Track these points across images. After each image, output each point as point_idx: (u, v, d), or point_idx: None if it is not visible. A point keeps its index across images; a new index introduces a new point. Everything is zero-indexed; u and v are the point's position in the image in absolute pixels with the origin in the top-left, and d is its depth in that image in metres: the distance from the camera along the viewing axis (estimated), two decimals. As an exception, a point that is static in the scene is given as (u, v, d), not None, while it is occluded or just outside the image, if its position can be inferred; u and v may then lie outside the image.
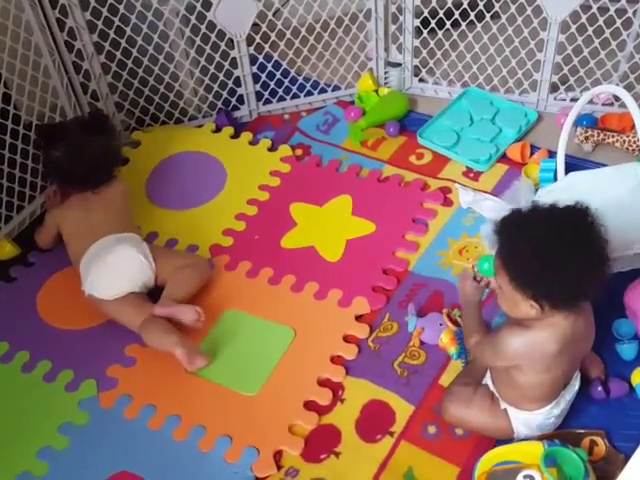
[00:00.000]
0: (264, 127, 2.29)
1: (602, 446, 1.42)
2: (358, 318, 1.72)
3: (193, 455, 1.50)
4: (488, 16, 2.14)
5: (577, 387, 1.43)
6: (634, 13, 2.00)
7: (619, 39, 2.03)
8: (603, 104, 2.15)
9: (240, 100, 2.30)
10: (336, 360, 1.64)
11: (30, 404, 1.63)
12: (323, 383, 1.60)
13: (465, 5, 2.16)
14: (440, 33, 2.24)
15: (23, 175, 1.97)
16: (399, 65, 2.32)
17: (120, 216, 1.85)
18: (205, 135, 2.26)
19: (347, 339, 1.68)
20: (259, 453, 1.49)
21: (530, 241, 1.23)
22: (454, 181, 2.02)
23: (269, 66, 2.27)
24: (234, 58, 2.19)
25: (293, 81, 2.33)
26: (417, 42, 2.25)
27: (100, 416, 1.59)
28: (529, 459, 1.29)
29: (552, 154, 1.98)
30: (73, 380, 1.66)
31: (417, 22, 2.20)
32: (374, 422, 1.52)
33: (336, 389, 1.59)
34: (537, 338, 1.30)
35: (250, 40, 2.17)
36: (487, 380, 1.48)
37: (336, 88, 2.35)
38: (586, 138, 2.04)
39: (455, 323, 1.64)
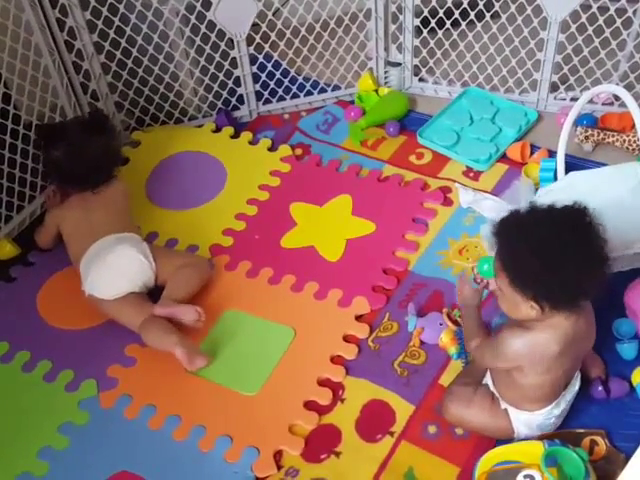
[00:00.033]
0: (264, 127, 2.29)
1: (602, 446, 1.42)
2: (358, 318, 1.72)
3: (193, 455, 1.50)
4: (488, 16, 2.14)
5: (577, 387, 1.43)
6: (634, 12, 2.00)
7: (619, 39, 2.02)
8: (603, 104, 2.15)
9: (240, 100, 2.30)
10: (336, 360, 1.64)
11: (30, 404, 1.63)
12: (323, 383, 1.60)
13: (465, 5, 2.16)
14: (440, 33, 2.23)
15: (23, 175, 1.97)
16: (399, 65, 2.32)
17: (120, 216, 1.85)
18: (205, 135, 2.26)
19: (347, 339, 1.68)
20: (259, 453, 1.49)
21: (529, 242, 1.23)
22: (454, 181, 2.02)
23: (269, 66, 2.27)
24: (234, 58, 2.19)
25: (293, 81, 2.33)
26: (417, 42, 2.25)
27: (100, 416, 1.59)
28: (529, 459, 1.29)
29: (552, 154, 1.98)
30: (73, 380, 1.66)
31: (417, 22, 2.20)
32: (374, 422, 1.52)
33: (336, 389, 1.59)
34: (538, 339, 1.29)
35: (250, 40, 2.17)
36: (487, 380, 1.48)
37: (336, 88, 2.35)
38: (586, 138, 2.04)
39: (455, 323, 1.64)
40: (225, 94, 2.28)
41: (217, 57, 2.18)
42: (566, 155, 1.84)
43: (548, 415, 1.40)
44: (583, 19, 2.00)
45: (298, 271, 1.83)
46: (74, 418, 1.59)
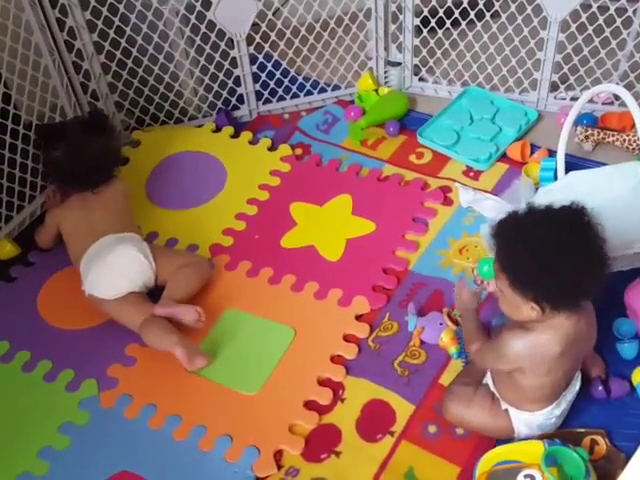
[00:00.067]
0: (264, 127, 2.29)
1: (603, 445, 1.42)
2: (358, 317, 1.72)
3: (193, 455, 1.50)
4: (488, 15, 2.14)
5: (578, 387, 1.43)
6: (634, 12, 1.99)
7: (619, 38, 2.02)
8: (603, 103, 2.15)
9: (240, 100, 2.30)
10: (336, 359, 1.64)
11: (30, 404, 1.63)
12: (323, 383, 1.60)
13: (465, 4, 2.16)
14: (440, 32, 2.23)
15: (23, 175, 1.97)
16: (399, 64, 2.32)
17: (120, 216, 1.85)
18: (205, 135, 2.26)
19: (347, 338, 1.68)
20: (259, 453, 1.48)
21: (527, 243, 1.23)
22: (454, 180, 2.02)
23: (269, 66, 2.27)
24: (234, 58, 2.19)
25: (293, 80, 2.33)
26: (417, 41, 2.25)
27: (100, 416, 1.59)
28: (530, 458, 1.29)
29: (552, 153, 1.98)
30: (73, 380, 1.66)
31: (417, 21, 2.20)
32: (374, 422, 1.52)
33: (336, 389, 1.59)
34: (539, 340, 1.29)
35: (250, 40, 2.17)
36: (487, 380, 1.48)
37: (336, 87, 2.35)
38: (586, 137, 2.04)
39: (455, 322, 1.63)
40: (225, 94, 2.28)
41: (217, 57, 2.18)
42: (566, 155, 1.84)
43: (549, 415, 1.40)
44: (583, 18, 2.00)
45: (298, 271, 1.83)
46: (74, 418, 1.59)
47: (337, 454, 1.48)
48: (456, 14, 2.18)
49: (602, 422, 1.46)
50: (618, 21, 1.99)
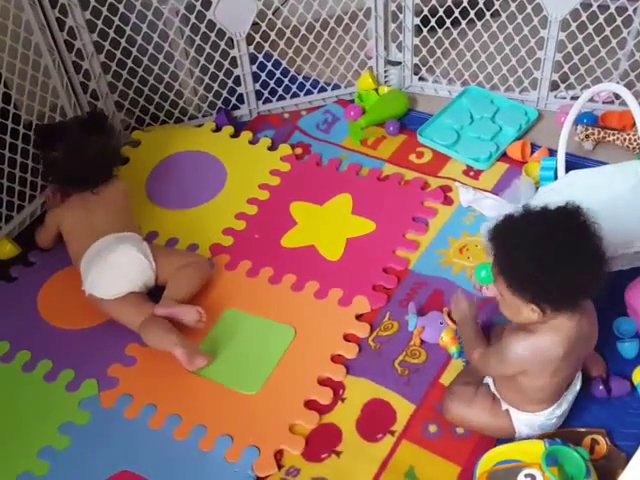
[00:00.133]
0: (264, 126, 2.29)
1: (603, 445, 1.42)
2: (358, 317, 1.72)
3: (194, 454, 1.50)
4: (488, 14, 2.14)
5: (579, 387, 1.43)
6: (634, 11, 1.99)
7: (619, 37, 2.02)
8: (603, 102, 2.15)
9: (240, 99, 2.30)
10: (337, 359, 1.64)
11: (31, 404, 1.63)
12: (324, 382, 1.60)
13: (465, 3, 2.16)
14: (440, 31, 2.24)
15: (23, 175, 1.97)
16: (399, 64, 2.31)
17: (120, 215, 1.85)
18: (205, 134, 2.25)
19: (347, 338, 1.68)
20: (260, 452, 1.48)
21: (523, 245, 1.23)
22: (454, 180, 2.02)
23: (269, 65, 2.27)
24: (234, 57, 2.19)
25: (293, 80, 2.33)
26: (417, 40, 2.24)
27: (101, 416, 1.59)
28: (530, 458, 1.29)
29: (552, 152, 1.98)
30: (74, 380, 1.66)
31: (417, 20, 2.20)
32: (375, 421, 1.52)
33: (337, 388, 1.58)
34: (542, 342, 1.29)
35: (250, 39, 2.17)
36: (488, 380, 1.48)
37: (336, 87, 2.35)
38: (586, 136, 2.04)
39: (455, 322, 1.63)
40: (225, 93, 2.28)
41: (217, 56, 2.18)
42: (566, 154, 1.84)
43: (550, 416, 1.39)
44: (583, 17, 2.00)
45: (298, 270, 1.83)
46: (75, 418, 1.59)
47: (337, 454, 1.48)
48: (456, 13, 2.18)
49: (603, 421, 1.46)
50: (618, 20, 1.99)
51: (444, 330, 1.61)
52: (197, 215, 2.02)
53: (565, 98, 2.18)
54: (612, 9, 1.98)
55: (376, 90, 2.31)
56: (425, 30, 2.22)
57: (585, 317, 1.31)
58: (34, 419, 1.60)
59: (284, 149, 2.18)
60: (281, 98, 2.33)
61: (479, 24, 2.18)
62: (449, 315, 1.65)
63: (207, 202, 2.05)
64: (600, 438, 1.43)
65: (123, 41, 2.08)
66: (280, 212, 1.99)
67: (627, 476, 1.05)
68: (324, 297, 1.76)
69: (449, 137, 2.12)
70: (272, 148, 2.20)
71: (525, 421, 1.40)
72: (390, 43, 2.28)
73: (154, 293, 1.74)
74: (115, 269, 1.70)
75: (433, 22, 2.20)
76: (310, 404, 1.56)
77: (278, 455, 1.49)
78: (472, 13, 2.15)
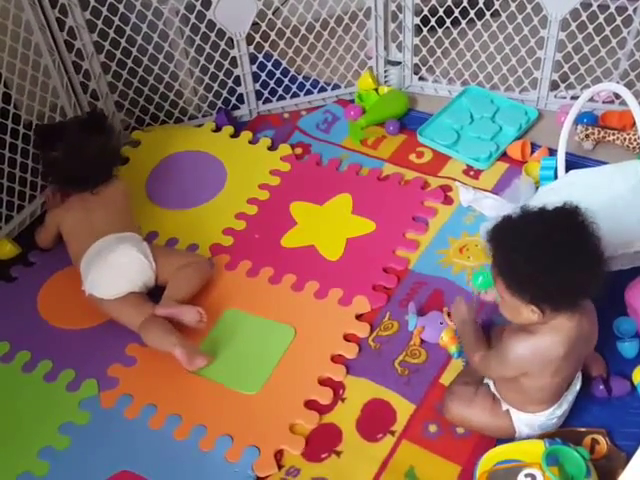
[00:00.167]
0: (264, 126, 2.29)
1: (604, 444, 1.42)
2: (359, 317, 1.72)
3: (194, 454, 1.50)
4: (488, 14, 2.14)
5: (579, 387, 1.43)
6: (634, 11, 1.99)
7: (619, 37, 2.02)
8: (603, 102, 2.15)
9: (240, 99, 2.30)
10: (337, 359, 1.64)
11: (31, 404, 1.63)
12: (324, 382, 1.60)
13: (465, 3, 2.16)
14: (440, 31, 2.24)
15: (23, 175, 1.97)
16: (399, 63, 2.31)
17: (120, 215, 1.85)
18: (205, 134, 2.25)
19: (348, 338, 1.67)
20: (260, 452, 1.48)
21: (521, 246, 1.23)
22: (454, 179, 2.02)
23: (269, 65, 2.27)
24: (234, 57, 2.19)
25: (293, 80, 2.33)
26: (417, 40, 2.24)
27: (101, 416, 1.59)
28: (530, 458, 1.29)
29: (552, 152, 1.98)
30: (74, 380, 1.66)
31: (417, 20, 2.19)
32: (375, 421, 1.52)
33: (337, 388, 1.58)
34: (543, 342, 1.29)
35: (250, 39, 2.17)
36: (488, 379, 1.47)
37: (336, 87, 2.35)
38: (586, 136, 2.04)
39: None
40: (225, 93, 2.28)
41: (217, 56, 2.18)
42: (566, 153, 1.84)
43: (550, 416, 1.39)
44: (583, 17, 2.00)
45: (298, 270, 1.83)
46: (75, 418, 1.59)
47: (338, 454, 1.48)
48: (456, 13, 2.18)
49: (603, 421, 1.46)
50: (618, 20, 1.99)
51: (444, 330, 1.61)
52: (197, 215, 2.02)
53: (565, 98, 2.18)
54: (612, 9, 1.98)
55: (376, 90, 2.31)
56: (425, 30, 2.22)
57: (585, 317, 1.31)
58: (34, 419, 1.60)
59: (284, 149, 2.18)
60: (281, 98, 2.33)
61: (479, 24, 2.18)
62: (449, 315, 1.65)
63: (207, 202, 2.05)
64: (600, 438, 1.43)
65: (123, 41, 2.08)
66: (280, 212, 1.99)
67: (627, 476, 1.05)
68: (324, 297, 1.76)
69: (449, 137, 2.12)
70: (272, 148, 2.20)
71: (525, 421, 1.40)
72: (390, 43, 2.28)
73: (154, 293, 1.74)
74: (115, 269, 1.70)
75: (433, 22, 2.20)
76: (310, 404, 1.56)
77: (278, 455, 1.49)
78: (472, 13, 2.15)
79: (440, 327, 1.63)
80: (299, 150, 2.19)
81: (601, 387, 1.48)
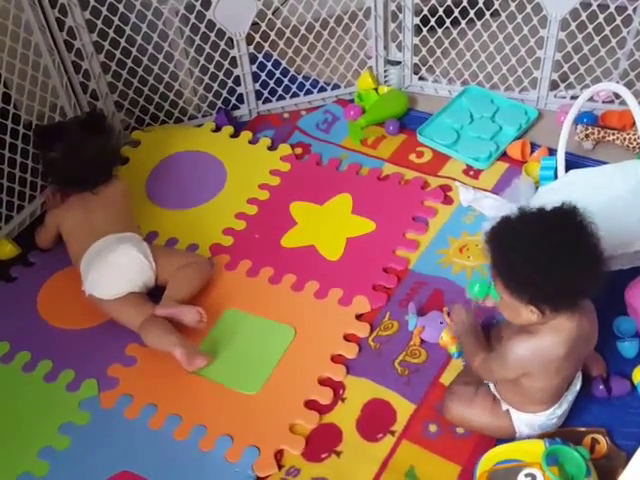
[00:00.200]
0: (264, 126, 2.29)
1: (604, 444, 1.42)
2: (359, 317, 1.72)
3: (194, 455, 1.50)
4: (488, 14, 2.14)
5: (579, 386, 1.43)
6: (634, 10, 1.99)
7: (619, 36, 2.02)
8: (603, 102, 2.15)
9: (240, 99, 2.30)
10: (337, 359, 1.64)
11: (31, 404, 1.63)
12: (324, 382, 1.60)
13: (465, 3, 2.16)
14: (440, 31, 2.24)
15: (23, 175, 1.97)
16: (399, 63, 2.31)
17: (120, 216, 1.85)
18: (205, 134, 2.25)
19: (348, 338, 1.67)
20: (260, 452, 1.48)
21: (520, 246, 1.23)
22: (454, 179, 2.02)
23: (269, 65, 2.27)
24: (234, 57, 2.19)
25: (293, 80, 2.33)
26: (417, 40, 2.24)
27: (101, 416, 1.59)
28: (530, 457, 1.29)
29: (552, 152, 1.98)
30: (74, 380, 1.66)
31: (417, 20, 2.19)
32: (375, 421, 1.52)
33: (337, 388, 1.58)
34: (543, 343, 1.29)
35: (250, 39, 2.17)
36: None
37: (336, 87, 2.35)
38: (586, 136, 2.04)
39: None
40: (225, 93, 2.28)
41: (217, 56, 2.18)
42: (566, 153, 1.84)
43: (550, 416, 1.39)
44: (583, 17, 2.00)
45: (298, 270, 1.83)
46: (75, 418, 1.59)
47: (338, 454, 1.48)
48: (456, 13, 2.18)
49: (603, 421, 1.46)
50: (618, 19, 1.99)
51: (444, 330, 1.61)
52: (197, 215, 2.02)
53: (565, 97, 2.18)
54: (612, 8, 1.98)
55: (376, 90, 2.31)
56: (425, 30, 2.22)
57: (585, 317, 1.31)
58: (34, 419, 1.60)
59: (284, 149, 2.18)
60: (281, 98, 2.33)
61: (479, 24, 2.18)
62: (449, 315, 1.65)
63: (207, 202, 2.05)
64: (600, 437, 1.43)
65: (123, 41, 2.08)
66: (280, 212, 1.99)
67: (627, 475, 1.05)
68: (324, 297, 1.76)
69: (449, 137, 2.12)
70: (272, 148, 2.20)
71: (525, 421, 1.40)
72: (390, 43, 2.28)
73: (154, 293, 1.74)
74: (115, 269, 1.70)
75: (433, 22, 2.20)
76: (310, 404, 1.56)
77: (278, 455, 1.49)
78: (472, 13, 2.15)
79: (440, 327, 1.62)
80: (299, 150, 2.19)
81: (601, 387, 1.48)
